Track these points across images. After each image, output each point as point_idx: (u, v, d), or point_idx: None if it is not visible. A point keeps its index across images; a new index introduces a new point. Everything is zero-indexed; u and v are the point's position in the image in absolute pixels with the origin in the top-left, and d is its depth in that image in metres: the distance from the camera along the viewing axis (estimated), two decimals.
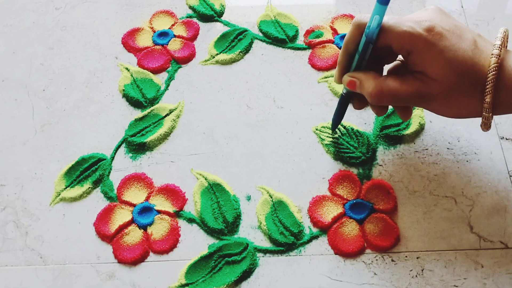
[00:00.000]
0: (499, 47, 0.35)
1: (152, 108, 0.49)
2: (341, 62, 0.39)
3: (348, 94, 0.41)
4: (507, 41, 0.36)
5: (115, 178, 0.45)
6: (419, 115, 0.47)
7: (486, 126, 0.36)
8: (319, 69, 0.51)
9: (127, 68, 0.51)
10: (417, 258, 0.40)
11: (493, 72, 0.34)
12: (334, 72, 0.50)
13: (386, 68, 0.40)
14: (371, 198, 0.43)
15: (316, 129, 0.47)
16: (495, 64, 0.34)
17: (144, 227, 0.42)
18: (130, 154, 0.46)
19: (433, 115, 0.47)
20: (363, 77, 0.38)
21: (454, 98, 0.35)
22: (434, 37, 0.34)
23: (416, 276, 0.39)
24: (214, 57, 0.52)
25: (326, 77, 0.50)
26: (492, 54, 0.34)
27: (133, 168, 0.45)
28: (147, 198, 0.44)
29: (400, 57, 0.40)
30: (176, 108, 0.49)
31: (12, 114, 0.49)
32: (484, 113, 0.35)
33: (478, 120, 0.47)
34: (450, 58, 0.34)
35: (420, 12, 0.37)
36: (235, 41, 0.53)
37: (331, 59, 0.51)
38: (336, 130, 0.46)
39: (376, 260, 0.40)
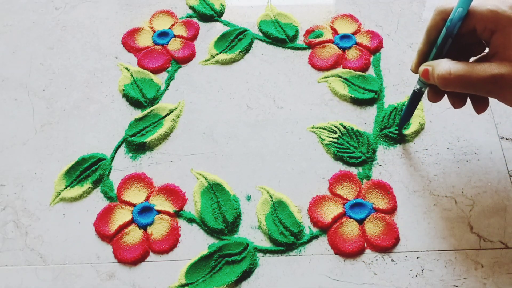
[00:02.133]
0: None
1: (152, 108, 0.49)
2: (420, 50, 0.38)
3: (420, 90, 0.40)
4: None
5: (115, 178, 0.45)
6: (419, 115, 0.47)
7: None
8: (319, 69, 0.51)
9: (127, 68, 0.51)
10: (417, 258, 0.40)
11: None
12: (334, 71, 0.50)
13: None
14: (371, 198, 0.43)
15: (313, 127, 0.47)
16: None
17: (144, 227, 0.42)
18: (130, 154, 0.46)
19: (433, 115, 0.47)
20: (435, 62, 0.36)
21: None
22: None
23: (416, 276, 0.39)
24: (214, 57, 0.52)
25: (326, 77, 0.50)
26: None
27: (133, 168, 0.45)
28: (147, 198, 0.44)
29: (486, 50, 0.38)
30: (176, 108, 0.49)
31: (12, 114, 0.49)
32: None
33: (478, 120, 0.47)
34: None
35: None
36: (235, 41, 0.53)
37: (331, 59, 0.51)
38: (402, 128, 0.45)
39: (376, 260, 0.40)
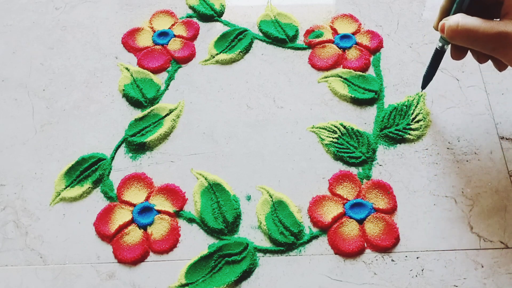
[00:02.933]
0: None
1: (152, 108, 0.49)
2: (443, 7, 0.39)
3: (441, 48, 0.41)
4: None
5: (115, 178, 0.45)
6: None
7: None
8: (319, 69, 0.51)
9: (127, 68, 0.51)
10: (417, 258, 0.40)
11: None
12: (334, 71, 0.50)
13: None
14: (371, 198, 0.43)
15: (313, 127, 0.47)
16: None
17: (144, 227, 0.42)
18: (130, 154, 0.46)
19: (433, 115, 0.47)
20: (450, 16, 0.37)
21: None
22: None
23: (416, 276, 0.39)
24: (214, 57, 0.52)
25: (326, 77, 0.50)
26: None
27: (133, 168, 0.45)
28: (147, 198, 0.44)
29: None
30: (176, 108, 0.49)
31: (12, 114, 0.49)
32: None
33: (478, 120, 0.47)
34: None
35: None
36: (235, 41, 0.53)
37: (331, 59, 0.51)
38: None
39: (376, 260, 0.40)
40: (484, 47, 0.36)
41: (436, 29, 0.39)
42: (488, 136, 0.46)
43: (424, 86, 0.46)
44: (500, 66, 0.39)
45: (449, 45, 0.40)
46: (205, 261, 0.40)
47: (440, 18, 0.39)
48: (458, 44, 0.37)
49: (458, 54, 0.40)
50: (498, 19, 0.35)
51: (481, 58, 0.39)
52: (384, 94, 0.49)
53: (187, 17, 0.55)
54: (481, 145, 0.45)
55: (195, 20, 0.55)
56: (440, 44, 0.41)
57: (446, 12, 0.39)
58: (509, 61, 0.36)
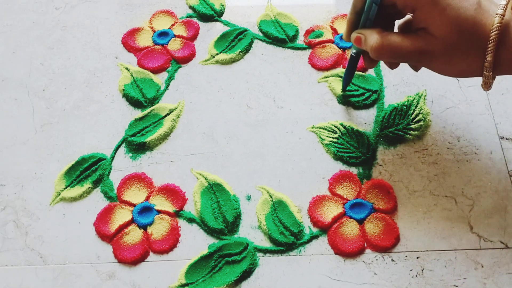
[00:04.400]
0: (504, 7, 0.35)
1: (152, 108, 0.49)
2: (349, 20, 0.41)
3: (357, 54, 0.43)
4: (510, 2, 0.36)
5: (115, 178, 0.45)
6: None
7: (486, 85, 0.37)
8: (319, 69, 0.51)
9: (127, 68, 0.51)
10: (417, 258, 0.40)
11: (496, 32, 0.34)
12: (334, 71, 0.50)
13: (397, 23, 0.41)
14: (371, 198, 0.43)
15: (313, 127, 0.47)
16: (498, 24, 0.34)
17: (144, 227, 0.42)
18: (130, 154, 0.46)
19: (433, 115, 0.47)
20: (368, 32, 0.39)
21: (455, 56, 0.36)
22: None
23: (416, 276, 0.39)
24: (214, 57, 0.52)
25: (326, 77, 0.50)
26: (496, 14, 0.34)
27: (133, 168, 0.45)
28: (147, 198, 0.44)
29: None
30: (176, 108, 0.49)
31: (12, 114, 0.49)
32: (484, 72, 0.35)
33: (478, 120, 0.47)
34: (452, 16, 0.35)
35: None
36: (235, 41, 0.53)
37: (331, 59, 0.51)
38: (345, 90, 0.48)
39: (376, 260, 0.40)
40: (407, 61, 0.39)
41: (347, 40, 0.42)
42: (488, 136, 0.46)
43: (344, 89, 0.48)
44: (416, 68, 0.41)
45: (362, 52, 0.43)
46: (205, 261, 0.40)
47: (349, 30, 0.41)
48: (383, 60, 0.40)
49: (370, 63, 0.43)
50: (415, 33, 0.37)
51: (391, 65, 0.42)
52: (384, 94, 0.49)
53: (187, 17, 0.55)
54: (481, 145, 0.45)
55: (195, 20, 0.55)
56: (354, 51, 0.43)
57: (353, 24, 0.41)
58: (431, 69, 0.38)
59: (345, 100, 0.48)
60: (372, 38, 0.38)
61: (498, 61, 0.35)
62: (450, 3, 0.35)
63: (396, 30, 0.41)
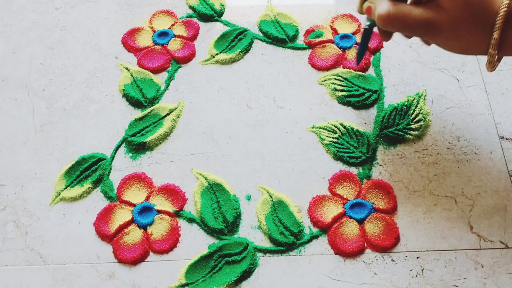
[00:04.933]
0: None
1: (152, 108, 0.49)
2: None
3: (370, 26, 0.43)
4: None
5: (115, 178, 0.45)
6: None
7: (491, 65, 0.36)
8: (319, 69, 0.51)
9: (127, 68, 0.51)
10: (417, 258, 0.40)
11: (505, 8, 0.34)
12: (334, 71, 0.50)
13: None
14: (371, 198, 0.43)
15: (313, 127, 0.47)
16: (508, 1, 0.34)
17: (144, 227, 0.42)
18: (130, 154, 0.46)
19: (433, 115, 0.47)
20: (378, 1, 0.38)
21: (462, 31, 0.35)
22: None
23: (416, 276, 0.39)
24: (214, 57, 0.52)
25: (325, 79, 0.50)
26: None
27: (133, 168, 0.45)
28: (147, 198, 0.44)
29: None
30: (176, 108, 0.49)
31: (12, 114, 0.49)
32: (490, 50, 0.35)
33: (478, 120, 0.47)
34: None
35: None
36: (235, 41, 0.53)
37: (331, 59, 0.51)
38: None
39: (376, 260, 0.40)
40: (414, 33, 0.38)
41: (361, 12, 0.41)
42: (488, 136, 0.46)
43: (358, 61, 0.47)
44: (428, 42, 0.41)
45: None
46: (205, 261, 0.40)
47: (363, 1, 0.41)
48: (389, 30, 0.39)
49: (386, 35, 0.42)
50: (424, 4, 0.37)
51: (384, 36, 0.41)
52: (384, 94, 0.49)
53: (187, 17, 0.55)
54: (481, 145, 0.45)
55: (195, 20, 0.55)
56: (368, 23, 0.43)
57: None
58: (437, 44, 0.38)
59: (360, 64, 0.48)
60: (381, 6, 0.38)
61: (504, 41, 0.35)
62: None
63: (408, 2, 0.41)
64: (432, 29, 0.36)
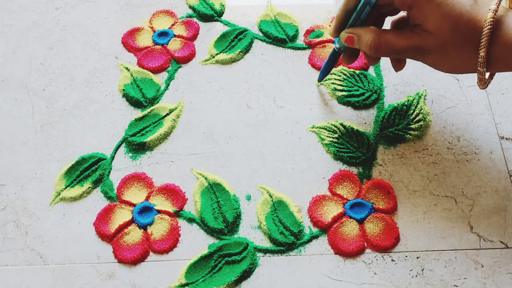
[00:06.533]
0: (497, 3, 0.35)
1: (152, 108, 0.49)
2: (339, 17, 0.41)
3: (339, 49, 0.44)
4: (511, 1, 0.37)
5: (115, 178, 0.45)
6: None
7: (482, 82, 0.37)
8: (319, 69, 0.51)
9: (127, 68, 0.51)
10: (417, 258, 0.40)
11: (489, 26, 0.34)
12: (333, 71, 0.50)
13: (389, 20, 0.42)
14: (371, 198, 0.43)
15: (313, 127, 0.47)
16: (491, 19, 0.34)
17: (144, 227, 0.42)
18: (130, 154, 0.46)
19: (433, 115, 0.47)
20: (361, 31, 0.39)
21: (450, 52, 0.36)
22: None
23: (416, 276, 0.39)
24: (214, 56, 0.52)
25: (326, 77, 0.50)
26: (490, 9, 0.35)
27: (133, 168, 0.45)
28: (147, 198, 0.44)
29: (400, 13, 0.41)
30: (176, 108, 0.49)
31: (12, 114, 0.49)
32: (478, 68, 0.36)
33: (478, 120, 0.47)
34: (447, 12, 0.35)
35: None
36: (235, 41, 0.53)
37: None
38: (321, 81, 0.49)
39: (376, 260, 0.40)
40: (404, 57, 0.40)
41: (334, 37, 0.42)
42: (488, 136, 0.46)
43: (320, 79, 0.48)
44: (398, 67, 0.42)
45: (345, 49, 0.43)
46: (205, 261, 0.40)
47: (337, 27, 0.41)
48: (380, 56, 0.41)
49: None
50: (410, 30, 0.38)
51: (372, 61, 0.43)
52: (384, 94, 0.49)
53: (187, 17, 0.55)
54: (481, 145, 0.45)
55: (195, 20, 0.55)
56: (338, 46, 0.43)
57: (343, 21, 0.41)
58: (427, 64, 0.39)
59: (321, 83, 0.49)
60: (367, 36, 0.39)
61: (491, 57, 0.35)
62: None
63: (389, 27, 0.42)
64: (421, 52, 0.37)
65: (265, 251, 0.41)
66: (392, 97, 0.49)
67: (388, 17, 0.42)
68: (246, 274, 0.40)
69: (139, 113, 0.48)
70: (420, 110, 0.47)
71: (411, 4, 0.37)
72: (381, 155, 0.45)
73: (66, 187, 0.44)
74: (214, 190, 0.44)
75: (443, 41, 0.36)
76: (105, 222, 0.42)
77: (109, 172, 0.45)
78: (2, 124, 0.49)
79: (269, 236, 0.41)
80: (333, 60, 0.46)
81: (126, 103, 0.49)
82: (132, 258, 0.40)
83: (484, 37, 0.34)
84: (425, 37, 0.36)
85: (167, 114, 0.48)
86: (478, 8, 0.35)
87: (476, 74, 0.37)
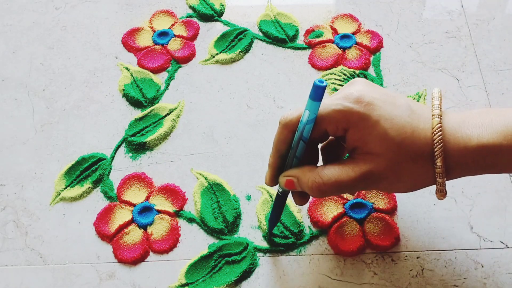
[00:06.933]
0: (439, 107, 0.33)
1: (152, 107, 0.49)
2: (273, 164, 0.36)
3: (284, 193, 0.38)
4: (441, 101, 0.34)
5: (115, 177, 0.45)
6: None
7: (441, 193, 0.33)
8: (319, 68, 0.51)
9: (127, 68, 0.51)
10: (417, 258, 0.40)
11: (439, 133, 0.31)
12: (333, 70, 0.50)
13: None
14: (371, 198, 0.43)
15: None
16: (438, 125, 0.31)
17: (144, 227, 0.42)
18: (130, 154, 0.46)
19: None
20: (299, 173, 0.34)
21: (403, 169, 0.32)
22: (366, 108, 0.32)
23: (416, 276, 0.39)
24: (214, 56, 0.52)
25: (326, 77, 0.50)
26: (433, 115, 0.32)
27: (133, 168, 0.45)
28: (147, 198, 0.44)
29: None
30: (176, 108, 0.49)
31: (12, 114, 0.49)
32: (438, 179, 0.32)
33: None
34: (387, 128, 0.31)
35: (346, 87, 0.34)
36: (235, 41, 0.53)
37: (331, 58, 0.51)
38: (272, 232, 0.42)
39: (376, 260, 0.40)
40: (355, 190, 0.37)
41: (271, 185, 0.37)
42: None
43: (271, 230, 0.41)
44: (302, 201, 0.37)
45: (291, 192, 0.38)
46: (205, 261, 0.40)
47: (273, 174, 0.36)
48: (327, 196, 0.36)
49: (303, 200, 0.37)
50: (351, 158, 0.33)
51: (300, 201, 0.37)
52: None
53: (187, 17, 0.55)
54: None
55: (195, 20, 0.55)
56: (281, 190, 0.37)
57: (278, 167, 0.36)
58: (382, 191, 0.37)
59: (271, 241, 0.41)
60: (306, 178, 0.34)
61: (448, 165, 0.32)
62: (381, 113, 0.32)
63: (320, 154, 0.38)
64: (372, 179, 0.32)
65: (265, 251, 0.41)
66: None
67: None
68: (246, 274, 0.40)
69: (139, 113, 0.48)
70: None
71: (345, 127, 0.32)
72: None
73: (66, 187, 0.44)
74: (214, 190, 0.44)
75: (392, 159, 0.32)
76: (105, 222, 0.42)
77: (109, 172, 0.45)
78: (2, 124, 0.49)
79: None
80: (280, 206, 0.39)
81: (126, 103, 0.49)
82: (132, 258, 0.40)
83: (437, 145, 0.31)
84: (372, 160, 0.32)
85: (167, 114, 0.48)
86: (418, 116, 0.32)
87: (434, 185, 0.33)
